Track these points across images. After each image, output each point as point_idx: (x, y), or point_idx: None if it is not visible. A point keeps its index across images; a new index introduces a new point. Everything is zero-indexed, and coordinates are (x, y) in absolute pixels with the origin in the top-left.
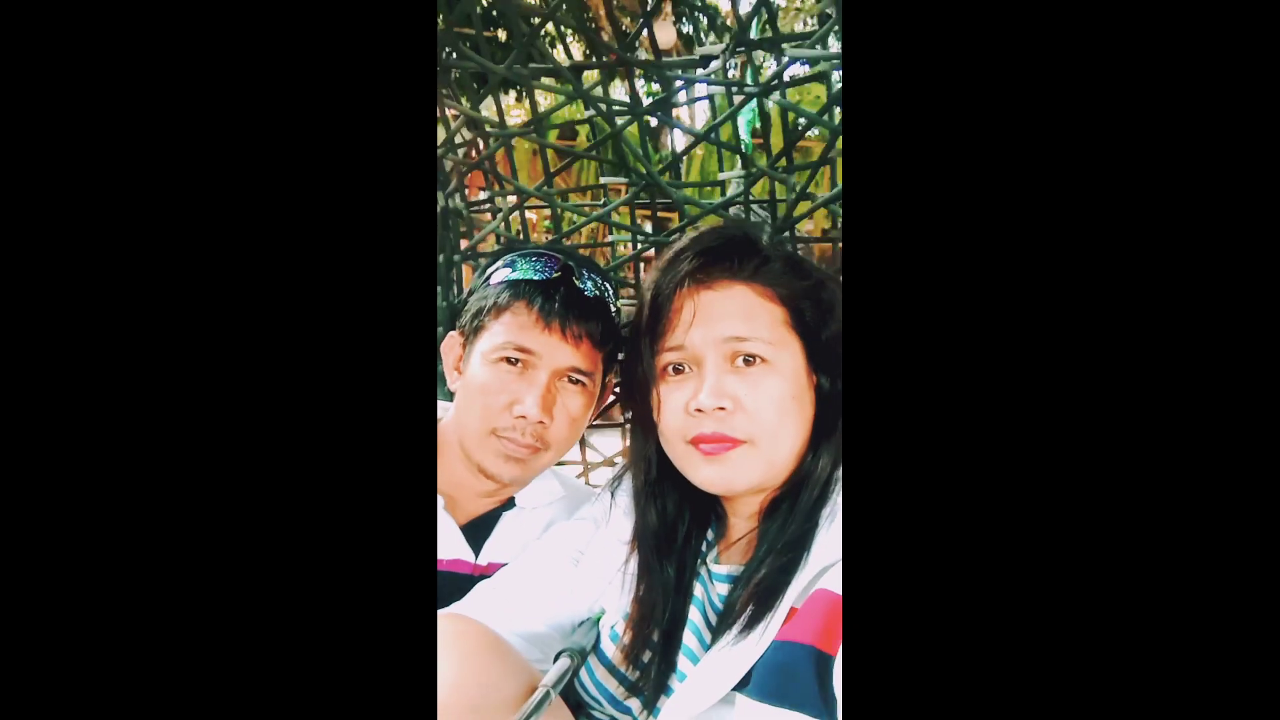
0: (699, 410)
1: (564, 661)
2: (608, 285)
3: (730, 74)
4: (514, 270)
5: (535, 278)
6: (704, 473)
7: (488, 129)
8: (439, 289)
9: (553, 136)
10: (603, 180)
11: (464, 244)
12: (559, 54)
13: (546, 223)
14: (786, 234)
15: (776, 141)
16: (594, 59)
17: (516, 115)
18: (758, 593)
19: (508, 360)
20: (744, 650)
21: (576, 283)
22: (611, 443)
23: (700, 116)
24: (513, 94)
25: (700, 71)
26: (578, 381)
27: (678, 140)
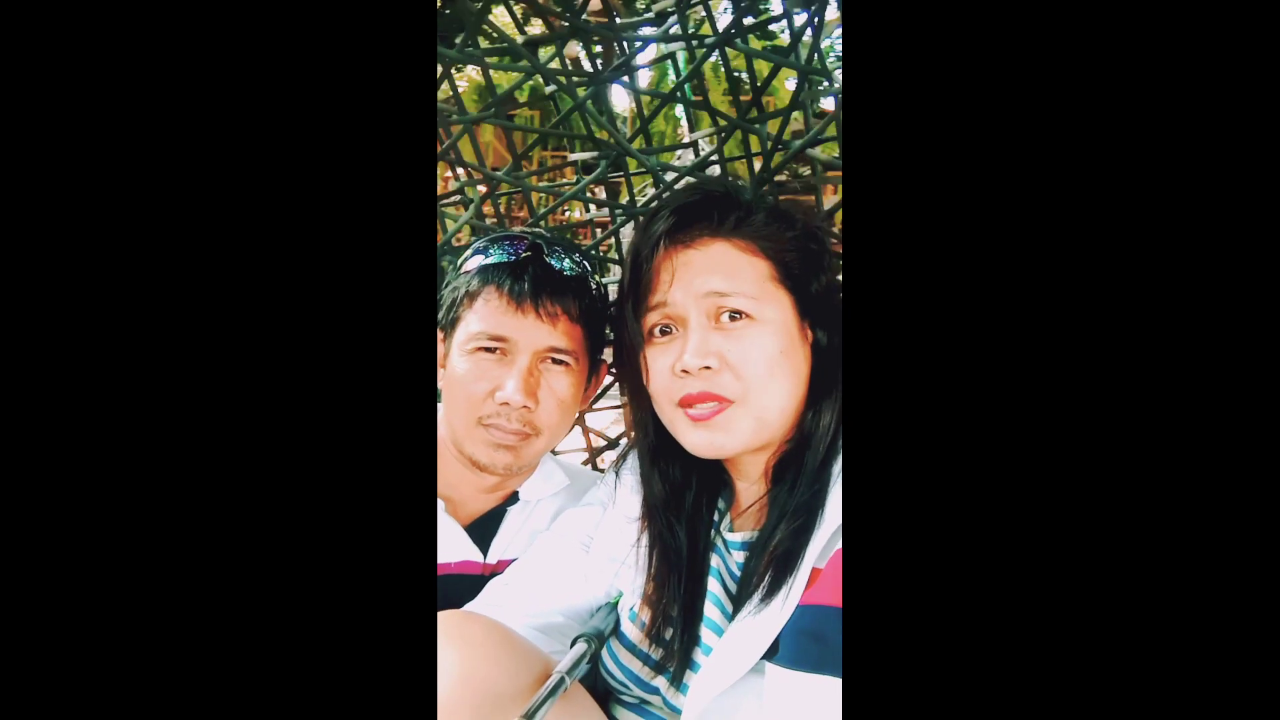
0: (684, 371)
1: (580, 647)
2: (586, 263)
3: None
4: (485, 256)
5: (503, 260)
6: (693, 438)
7: (449, 116)
8: None
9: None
10: (572, 156)
11: (438, 239)
12: (511, 30)
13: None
14: (766, 187)
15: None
16: (547, 29)
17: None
18: (775, 558)
19: (485, 349)
20: (768, 618)
21: (549, 260)
22: (615, 426)
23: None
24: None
25: (656, 30)
26: (561, 362)
27: (642, 104)
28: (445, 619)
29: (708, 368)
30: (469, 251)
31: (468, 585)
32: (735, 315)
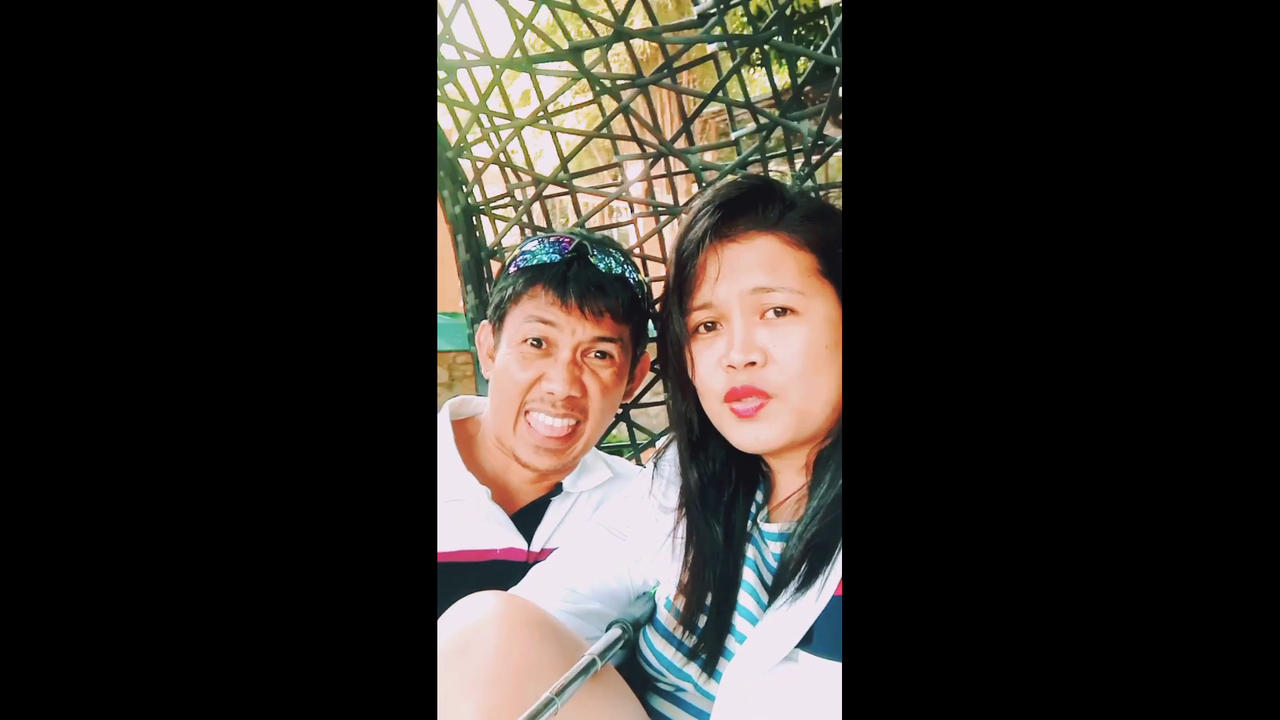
0: (730, 366)
1: (614, 632)
2: (629, 263)
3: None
4: (532, 256)
5: (549, 260)
6: (740, 434)
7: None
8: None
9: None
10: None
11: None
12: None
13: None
14: (809, 182)
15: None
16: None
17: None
18: (811, 549)
19: (532, 343)
20: (803, 608)
21: (593, 260)
22: (658, 422)
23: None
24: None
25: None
26: (605, 355)
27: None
28: (483, 599)
29: (752, 363)
30: (517, 251)
31: (512, 572)
32: (780, 311)
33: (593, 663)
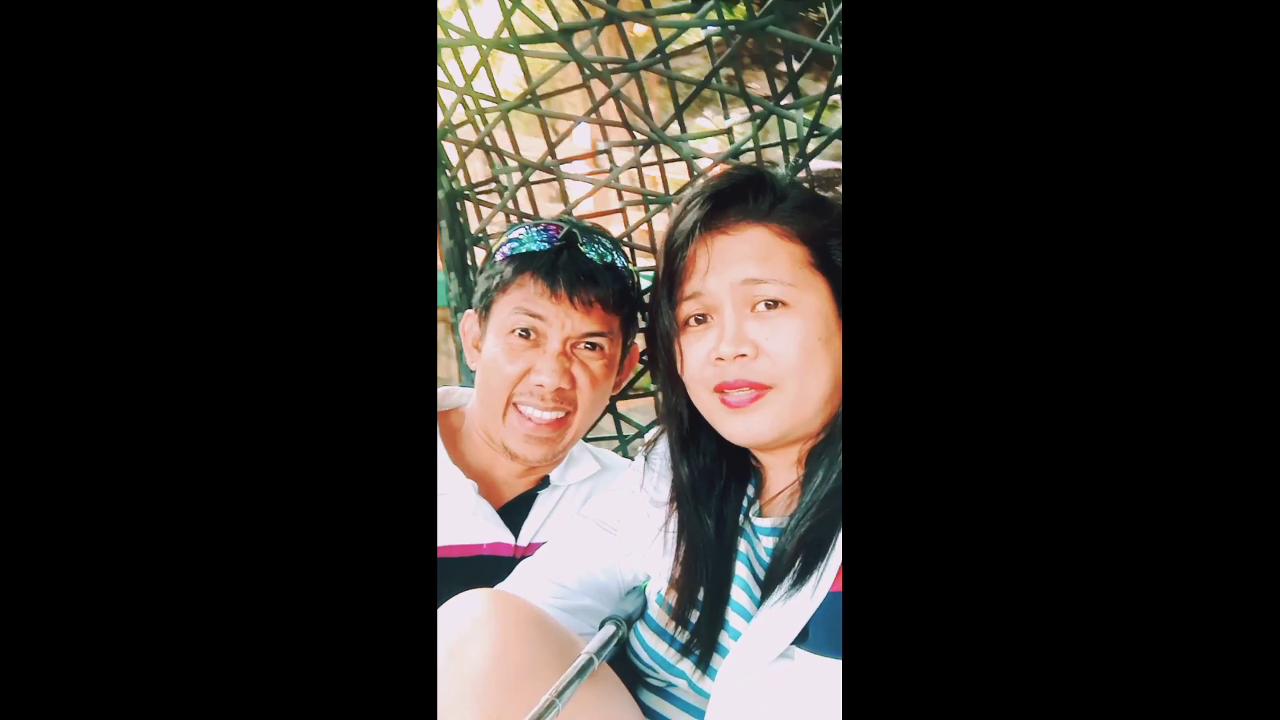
0: (720, 359)
1: (608, 629)
2: (618, 251)
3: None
4: (520, 244)
5: (538, 248)
6: (731, 426)
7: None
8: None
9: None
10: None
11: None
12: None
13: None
14: (802, 174)
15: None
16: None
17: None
18: (805, 544)
19: (521, 334)
20: (798, 604)
21: (582, 249)
22: (646, 414)
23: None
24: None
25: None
26: (595, 346)
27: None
28: (478, 597)
29: (743, 355)
30: (504, 239)
31: (499, 567)
32: (771, 303)
33: (590, 661)
